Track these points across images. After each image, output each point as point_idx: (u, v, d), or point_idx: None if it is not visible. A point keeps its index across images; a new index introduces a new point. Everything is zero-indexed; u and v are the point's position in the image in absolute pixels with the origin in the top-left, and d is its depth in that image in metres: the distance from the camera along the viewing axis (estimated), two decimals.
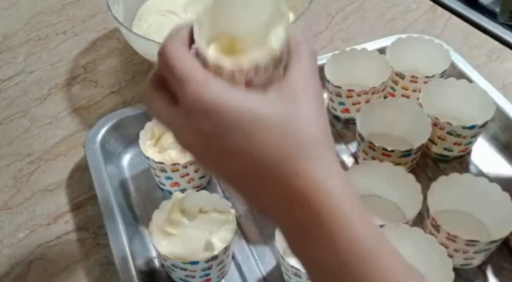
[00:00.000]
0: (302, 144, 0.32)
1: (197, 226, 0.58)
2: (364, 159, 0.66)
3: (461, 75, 0.74)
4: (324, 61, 0.73)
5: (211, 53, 0.34)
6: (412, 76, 0.71)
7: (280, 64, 0.35)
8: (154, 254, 0.59)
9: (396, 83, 0.73)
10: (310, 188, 0.32)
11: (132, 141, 0.69)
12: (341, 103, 0.71)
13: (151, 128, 0.65)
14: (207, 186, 0.66)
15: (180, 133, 0.34)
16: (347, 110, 0.72)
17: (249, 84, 0.34)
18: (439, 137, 0.67)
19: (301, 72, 0.35)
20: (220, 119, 0.32)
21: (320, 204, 0.31)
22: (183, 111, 0.33)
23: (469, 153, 0.69)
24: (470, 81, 0.72)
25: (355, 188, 0.33)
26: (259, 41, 0.35)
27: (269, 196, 0.33)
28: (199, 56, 0.34)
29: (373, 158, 0.64)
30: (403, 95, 0.73)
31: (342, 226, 0.31)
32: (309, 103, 0.34)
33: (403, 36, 0.77)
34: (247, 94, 0.33)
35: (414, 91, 0.72)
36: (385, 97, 0.74)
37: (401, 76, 0.72)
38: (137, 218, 0.63)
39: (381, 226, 0.55)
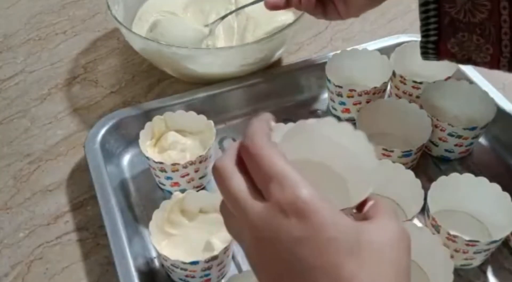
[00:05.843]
0: None
1: (197, 226, 0.58)
2: None
3: (461, 75, 0.74)
4: (325, 60, 0.73)
5: None
6: (414, 82, 0.71)
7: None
8: (154, 254, 0.59)
9: (398, 88, 0.73)
10: None
11: (132, 141, 0.69)
12: (342, 103, 0.71)
13: (151, 128, 0.65)
14: (207, 186, 0.66)
15: (257, 229, 0.32)
16: (347, 110, 0.72)
17: None
18: (440, 139, 0.66)
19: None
20: (320, 229, 0.30)
21: None
22: (276, 207, 0.31)
23: (470, 154, 0.69)
24: (470, 81, 0.72)
25: None
26: (338, 179, 0.37)
27: None
28: None
29: None
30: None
31: None
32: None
33: (407, 39, 0.77)
34: (346, 217, 0.32)
35: (418, 97, 0.72)
36: (389, 95, 0.74)
37: (404, 82, 0.72)
38: (137, 218, 0.63)
39: None
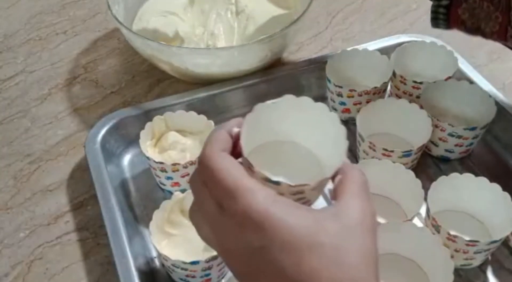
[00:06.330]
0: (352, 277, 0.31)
1: None
2: (364, 159, 0.66)
3: (461, 75, 0.74)
4: (325, 60, 0.73)
5: (257, 165, 0.33)
6: (414, 82, 0.71)
7: (326, 185, 0.36)
8: (154, 254, 0.59)
9: (398, 88, 0.73)
10: None
11: (132, 141, 0.69)
12: (342, 103, 0.71)
13: (152, 128, 0.65)
14: None
15: (224, 240, 0.34)
16: (347, 110, 0.72)
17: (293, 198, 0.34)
18: (440, 139, 0.67)
19: (360, 208, 0.34)
20: (275, 235, 0.31)
21: None
22: (234, 220, 0.32)
23: (470, 154, 0.69)
24: (470, 81, 0.72)
25: None
26: (309, 154, 0.37)
27: None
28: (244, 164, 0.33)
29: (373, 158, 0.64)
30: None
31: None
32: (363, 234, 0.33)
33: (407, 39, 0.77)
34: (303, 211, 0.32)
35: (418, 97, 0.72)
36: (389, 95, 0.74)
37: (404, 82, 0.72)
38: (137, 218, 0.63)
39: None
